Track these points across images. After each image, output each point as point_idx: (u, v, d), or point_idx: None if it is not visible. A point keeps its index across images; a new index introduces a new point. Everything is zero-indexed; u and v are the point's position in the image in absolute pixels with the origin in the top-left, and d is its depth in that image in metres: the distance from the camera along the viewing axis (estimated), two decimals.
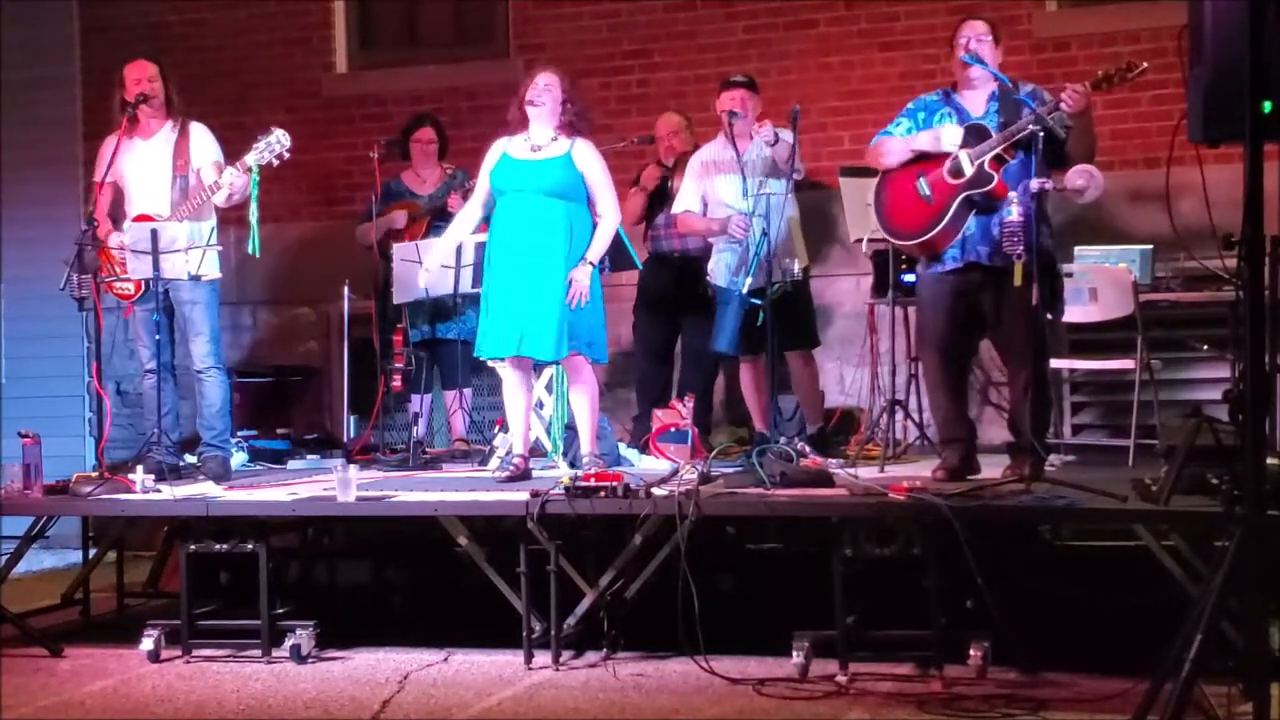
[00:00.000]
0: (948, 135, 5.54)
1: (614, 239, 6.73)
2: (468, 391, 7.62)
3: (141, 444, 6.55)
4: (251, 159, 6.29)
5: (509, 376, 6.13)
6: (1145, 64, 5.32)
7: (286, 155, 6.37)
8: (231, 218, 6.86)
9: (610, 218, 6.10)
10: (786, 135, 6.25)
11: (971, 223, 5.52)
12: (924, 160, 5.61)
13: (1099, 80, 5.40)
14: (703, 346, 7.09)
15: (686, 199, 6.76)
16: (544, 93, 5.99)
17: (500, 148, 6.11)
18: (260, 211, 6.35)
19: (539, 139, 6.02)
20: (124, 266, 6.37)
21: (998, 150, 5.43)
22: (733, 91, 6.63)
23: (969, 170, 5.48)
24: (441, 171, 7.64)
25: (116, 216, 6.57)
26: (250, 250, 6.38)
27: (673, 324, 7.47)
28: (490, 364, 6.37)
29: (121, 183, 6.54)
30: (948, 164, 5.53)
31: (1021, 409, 5.57)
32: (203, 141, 6.53)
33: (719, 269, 6.67)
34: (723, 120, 6.55)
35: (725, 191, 6.60)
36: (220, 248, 6.46)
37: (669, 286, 7.37)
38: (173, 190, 6.43)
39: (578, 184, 6.02)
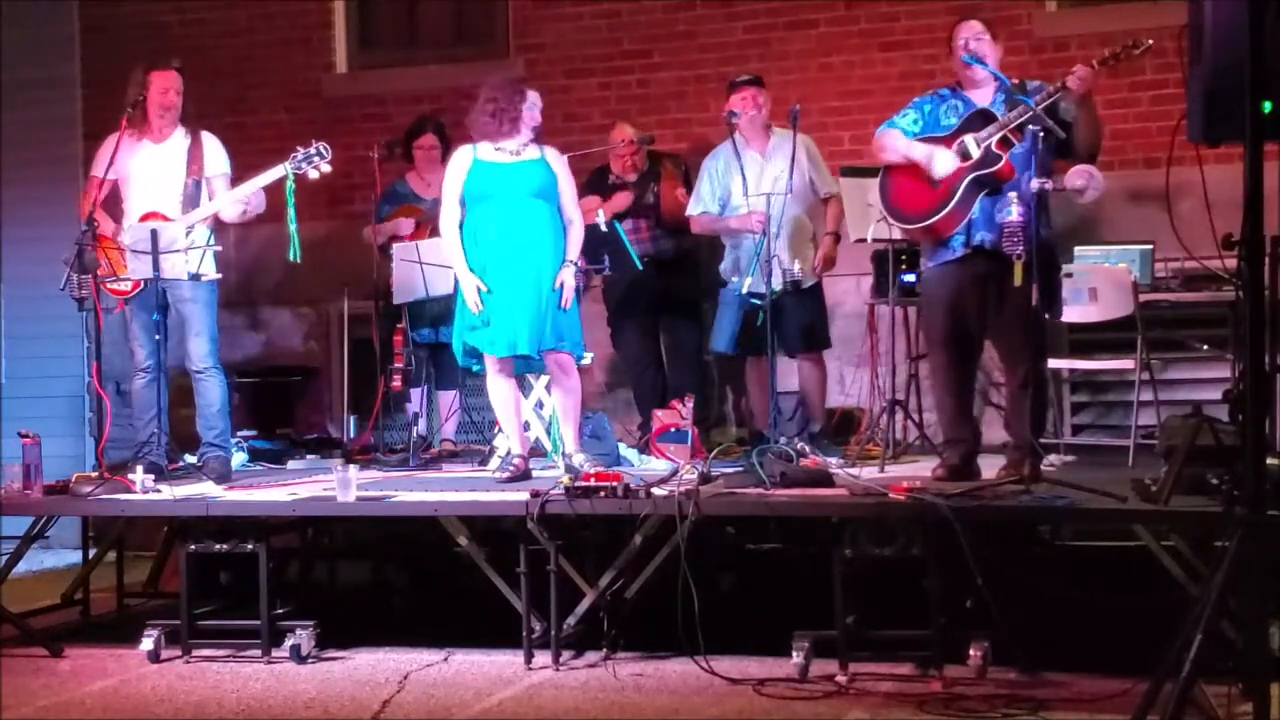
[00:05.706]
0: (941, 163, 5.50)
1: (614, 240, 6.79)
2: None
3: (135, 445, 6.55)
4: (288, 165, 6.37)
5: (502, 379, 6.12)
6: (1149, 41, 5.33)
7: (326, 169, 6.46)
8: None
9: (579, 219, 6.22)
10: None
11: (976, 206, 5.51)
12: (930, 141, 5.58)
13: (1105, 59, 5.41)
14: (685, 344, 7.10)
15: (705, 200, 6.80)
16: (539, 114, 6.13)
17: (468, 154, 6.12)
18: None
19: (513, 145, 6.08)
20: (125, 264, 6.38)
21: (1004, 132, 5.43)
22: (743, 91, 6.69)
23: (975, 153, 5.47)
24: None
25: (114, 215, 6.58)
26: (291, 257, 6.43)
27: (652, 326, 7.44)
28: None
29: (124, 182, 6.54)
30: (954, 147, 5.51)
31: (1017, 409, 5.57)
32: (216, 152, 6.57)
33: (730, 267, 6.72)
34: (726, 121, 6.61)
35: (739, 191, 6.63)
36: (219, 248, 6.46)
37: (642, 290, 7.32)
38: (183, 193, 6.45)
39: (554, 186, 6.11)
